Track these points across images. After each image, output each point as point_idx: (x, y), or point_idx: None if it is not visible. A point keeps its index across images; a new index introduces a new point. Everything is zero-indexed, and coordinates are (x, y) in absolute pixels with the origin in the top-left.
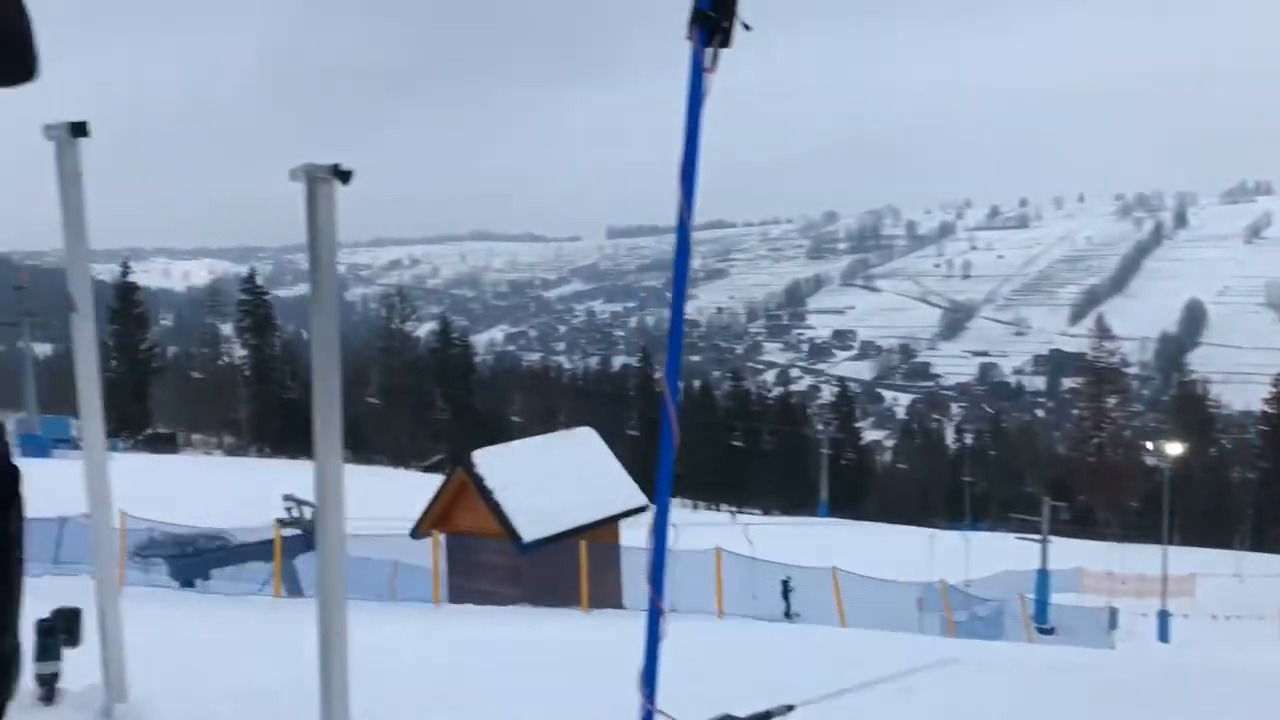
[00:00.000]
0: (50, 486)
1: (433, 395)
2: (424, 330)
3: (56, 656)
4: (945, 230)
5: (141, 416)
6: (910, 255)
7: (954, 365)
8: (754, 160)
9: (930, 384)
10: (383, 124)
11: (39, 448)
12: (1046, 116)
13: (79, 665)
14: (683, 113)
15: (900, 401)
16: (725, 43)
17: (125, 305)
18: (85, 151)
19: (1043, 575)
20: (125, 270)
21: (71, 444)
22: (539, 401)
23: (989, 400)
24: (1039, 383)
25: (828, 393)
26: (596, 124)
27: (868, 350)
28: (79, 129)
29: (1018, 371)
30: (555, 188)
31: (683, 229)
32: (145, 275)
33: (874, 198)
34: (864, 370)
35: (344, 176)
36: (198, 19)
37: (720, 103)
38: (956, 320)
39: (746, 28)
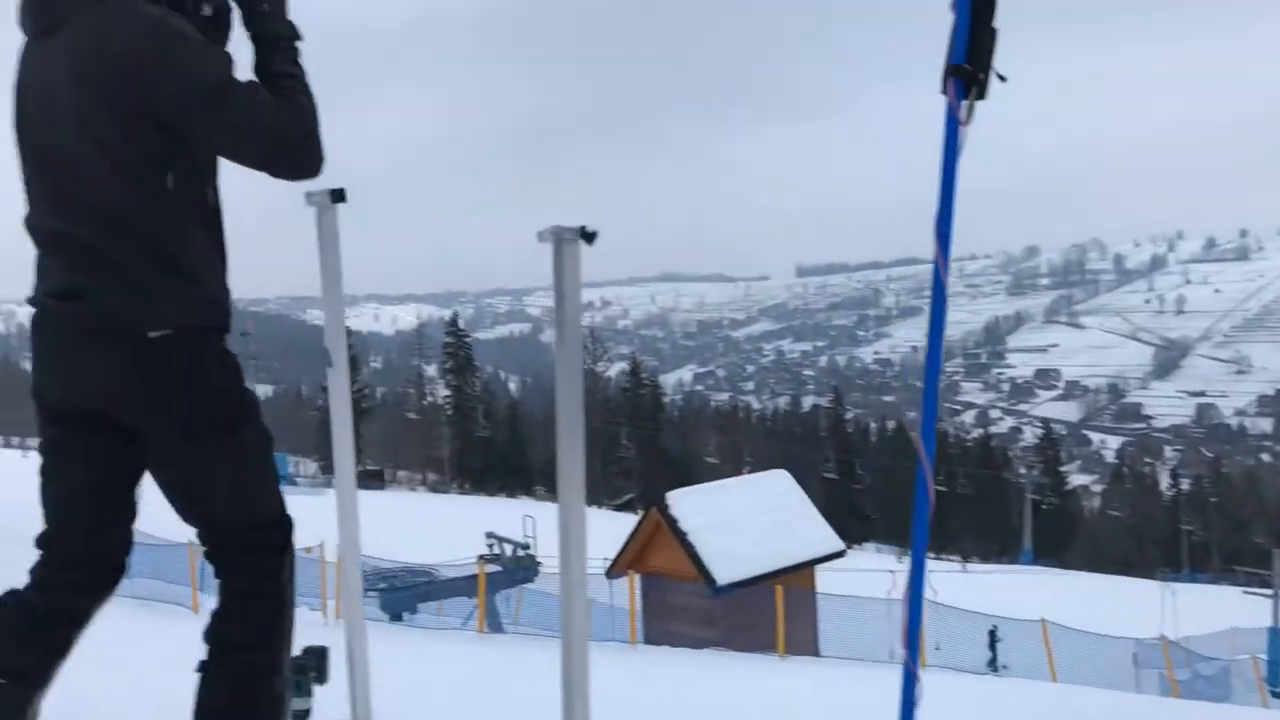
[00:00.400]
0: None
1: (623, 435)
2: (614, 370)
3: (308, 693)
4: (1156, 264)
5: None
6: (1118, 290)
7: (1168, 406)
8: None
9: (1142, 426)
10: (573, 168)
11: None
12: (1271, 139)
13: (323, 699)
14: (876, 151)
15: (1109, 444)
16: (981, 95)
17: None
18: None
19: (1275, 634)
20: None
21: (288, 480)
22: (728, 441)
23: (1207, 443)
24: (1264, 425)
25: (1030, 435)
26: (784, 162)
27: (1073, 390)
28: (338, 195)
29: (1239, 413)
30: (743, 227)
31: (939, 285)
32: (357, 320)
33: (1077, 231)
34: (1069, 411)
35: (589, 238)
36: (411, 68)
37: (908, 133)
38: (1170, 359)
39: (1001, 79)
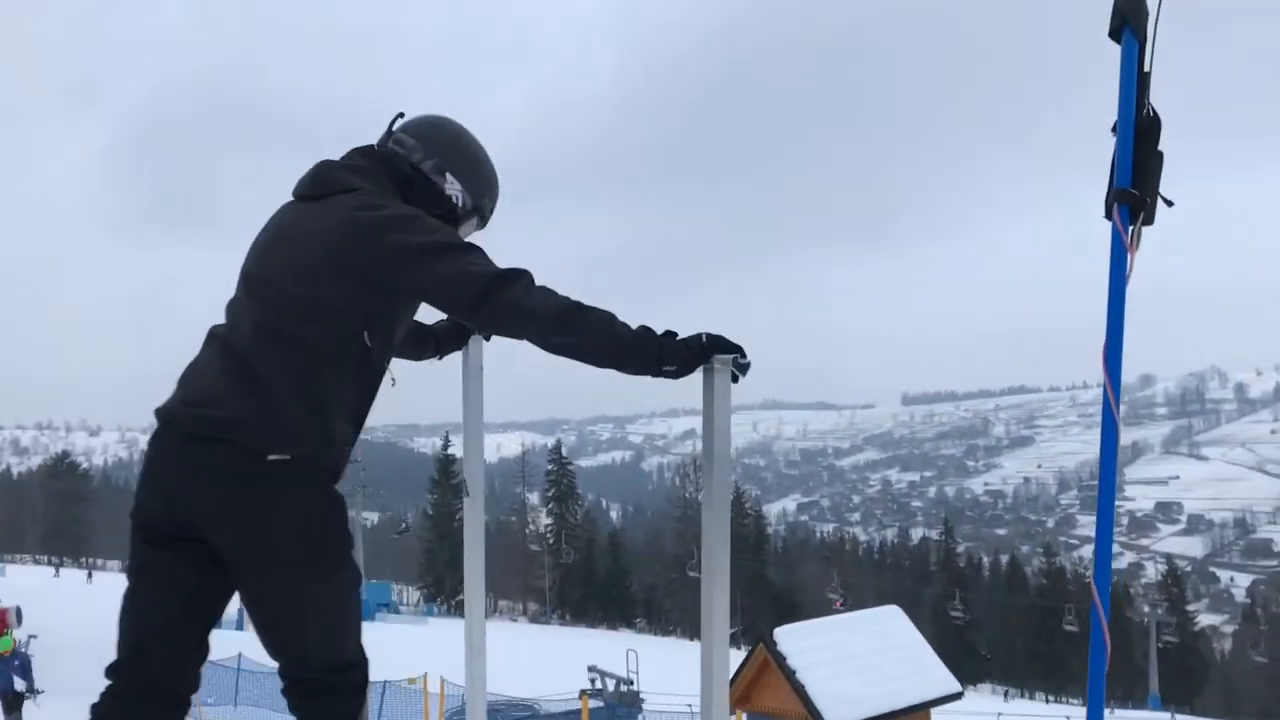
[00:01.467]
0: (373, 650)
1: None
2: None
3: None
4: None
5: (455, 583)
6: (1241, 420)
7: None
8: (1057, 322)
9: (1273, 563)
10: (674, 296)
11: (364, 611)
12: None
13: None
14: (982, 278)
15: (1238, 582)
16: (1149, 220)
17: (444, 476)
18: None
19: None
20: (445, 444)
21: (392, 608)
22: (834, 573)
23: None
24: None
25: (1153, 571)
26: (887, 288)
27: (1196, 525)
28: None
29: None
30: (846, 354)
31: (1109, 418)
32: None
33: (1195, 359)
34: (1194, 546)
35: (742, 369)
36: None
37: (1017, 260)
38: None
39: (1168, 203)
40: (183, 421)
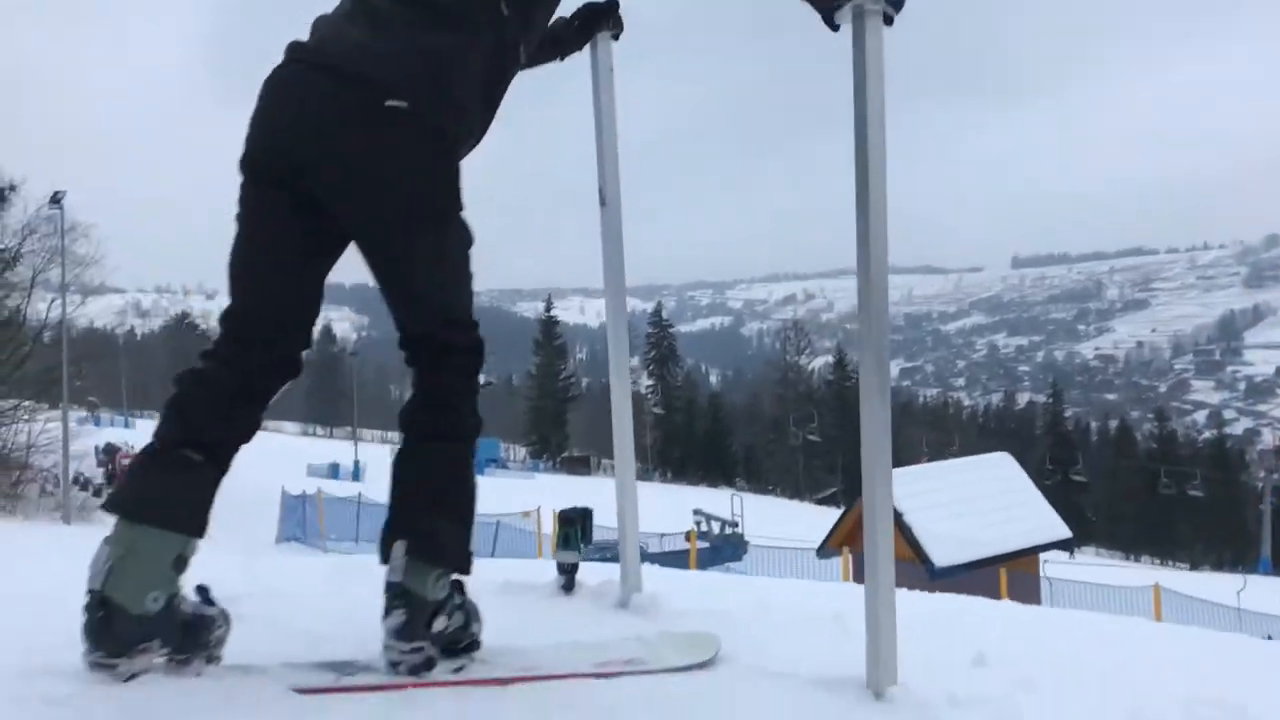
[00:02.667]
0: (484, 498)
1: (822, 427)
2: (818, 363)
3: (576, 548)
4: None
5: (560, 441)
6: None
7: None
8: (1178, 178)
9: None
10: (776, 157)
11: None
12: None
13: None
14: (1101, 135)
15: None
16: None
17: (547, 339)
18: (525, 195)
19: None
20: (548, 307)
21: (500, 464)
22: (937, 437)
23: None
24: None
25: (1270, 437)
26: (1000, 145)
27: None
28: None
29: None
30: (956, 216)
31: None
32: (564, 312)
33: None
34: None
35: (896, 4)
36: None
37: (1136, 116)
38: None
39: None
40: (301, 59)
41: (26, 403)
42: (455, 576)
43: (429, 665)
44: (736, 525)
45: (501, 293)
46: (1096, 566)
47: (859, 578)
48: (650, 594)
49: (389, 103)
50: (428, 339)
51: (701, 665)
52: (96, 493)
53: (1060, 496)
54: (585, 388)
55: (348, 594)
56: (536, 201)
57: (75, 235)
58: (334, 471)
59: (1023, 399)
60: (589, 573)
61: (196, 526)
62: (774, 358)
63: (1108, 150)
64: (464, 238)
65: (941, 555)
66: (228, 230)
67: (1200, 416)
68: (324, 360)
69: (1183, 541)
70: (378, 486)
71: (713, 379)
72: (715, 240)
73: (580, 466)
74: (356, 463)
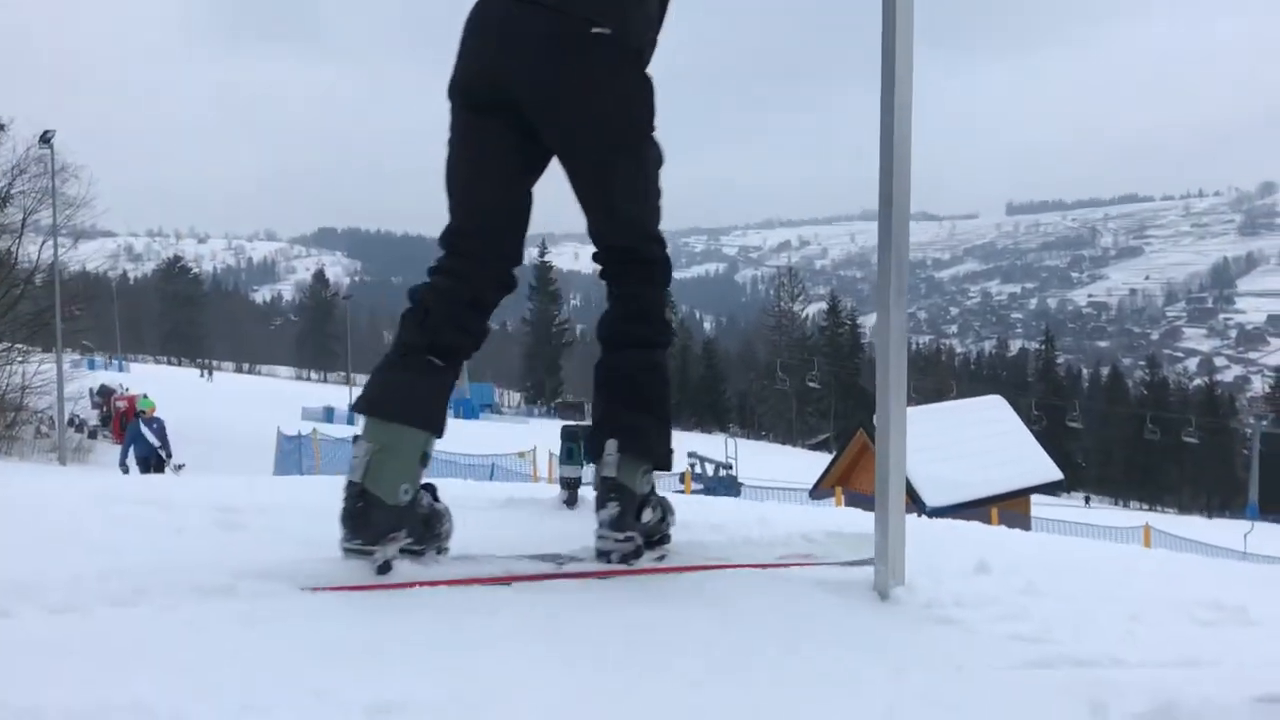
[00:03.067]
0: (478, 441)
1: (820, 374)
2: (812, 310)
3: (579, 462)
4: None
5: (555, 386)
6: None
7: None
8: (1174, 126)
9: None
10: (771, 107)
11: (469, 411)
12: None
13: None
14: (1093, 83)
15: None
16: None
17: (542, 285)
18: None
19: None
20: (542, 252)
21: (494, 409)
22: (929, 383)
23: None
24: None
25: (1260, 385)
26: (997, 92)
27: None
28: None
29: None
30: (951, 162)
31: None
32: (558, 258)
33: None
34: None
35: None
36: None
37: (1133, 64)
38: None
39: None
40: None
41: (20, 345)
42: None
43: (638, 554)
44: (730, 467)
45: None
46: (1086, 509)
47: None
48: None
49: (594, 30)
50: (628, 251)
51: (865, 562)
52: (91, 434)
53: (1051, 442)
54: (579, 334)
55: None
56: None
57: (65, 176)
58: (328, 415)
59: (1015, 346)
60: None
61: (438, 426)
62: (768, 304)
63: (1104, 97)
64: (658, 156)
65: (934, 496)
66: (221, 176)
67: (1192, 364)
68: (317, 304)
69: (1172, 487)
70: None
71: (707, 326)
72: (710, 187)
73: (574, 412)
74: (351, 406)
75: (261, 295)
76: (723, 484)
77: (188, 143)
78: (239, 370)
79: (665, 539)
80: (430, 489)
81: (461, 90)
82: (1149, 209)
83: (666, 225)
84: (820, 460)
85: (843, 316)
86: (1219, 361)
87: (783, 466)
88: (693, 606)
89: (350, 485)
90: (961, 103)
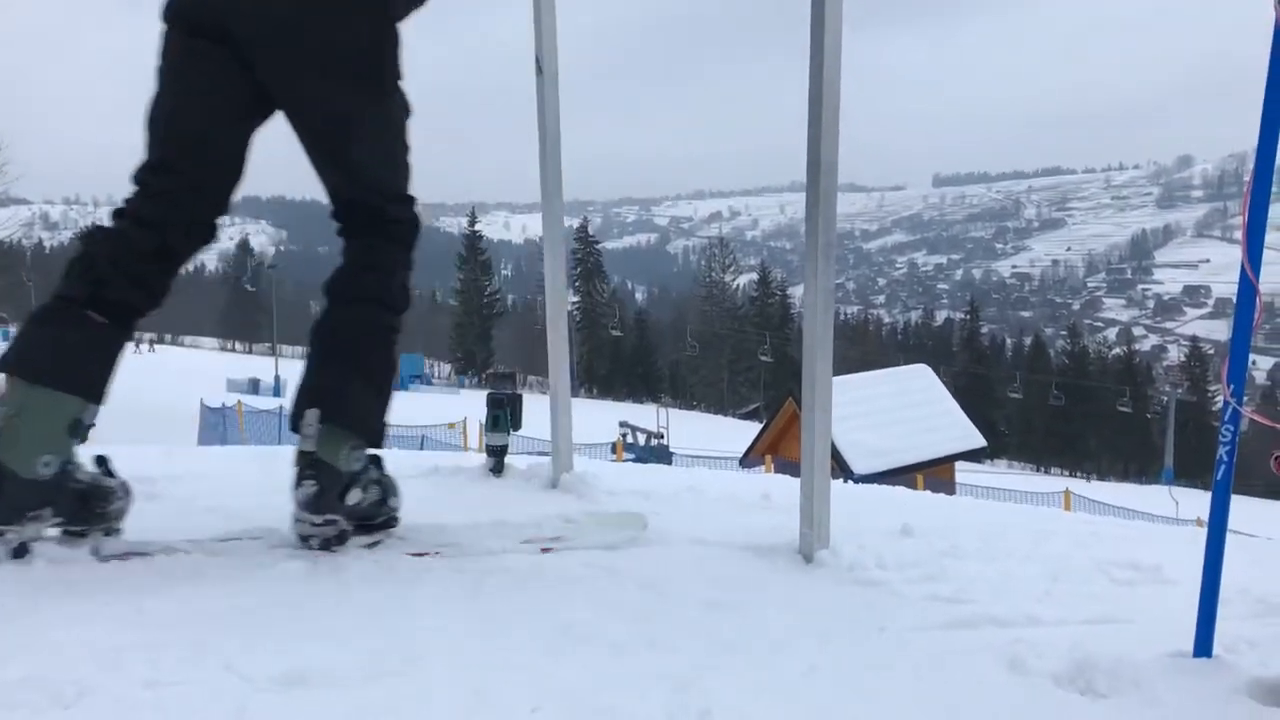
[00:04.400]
0: (410, 414)
1: (750, 344)
2: (743, 280)
3: (506, 429)
4: None
5: (485, 357)
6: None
7: None
8: (1096, 101)
9: None
10: (700, 80)
11: (398, 382)
12: None
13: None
14: (1019, 56)
15: (1260, 365)
16: None
17: (472, 254)
18: (449, 110)
19: None
20: (472, 221)
21: (424, 380)
22: (857, 352)
23: None
24: None
25: (1176, 353)
26: (925, 66)
27: (1224, 308)
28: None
29: None
30: (879, 134)
31: (1262, 199)
32: (488, 228)
33: (1237, 140)
34: (1219, 330)
35: None
36: None
37: (1055, 38)
38: None
39: None
40: None
41: None
42: (373, 451)
43: (341, 539)
44: (662, 437)
45: (424, 207)
46: (1009, 475)
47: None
48: (580, 474)
49: None
50: (365, 207)
51: (629, 543)
52: None
53: (976, 410)
54: (510, 304)
55: (272, 475)
56: (458, 113)
57: None
58: (254, 387)
59: (941, 316)
60: (519, 458)
61: (95, 392)
62: (699, 275)
63: (1029, 71)
64: (404, 107)
65: (861, 463)
66: (139, 143)
67: (1111, 333)
68: (241, 274)
69: (1091, 453)
70: None
71: (639, 296)
72: (642, 157)
73: (505, 383)
74: (277, 378)
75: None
76: (654, 453)
77: (104, 107)
78: (159, 341)
79: (390, 523)
80: (102, 461)
81: (175, 11)
82: (1071, 181)
83: (597, 195)
84: (751, 429)
85: (773, 287)
86: (1137, 331)
87: (714, 435)
88: (610, 578)
89: None
90: (890, 75)
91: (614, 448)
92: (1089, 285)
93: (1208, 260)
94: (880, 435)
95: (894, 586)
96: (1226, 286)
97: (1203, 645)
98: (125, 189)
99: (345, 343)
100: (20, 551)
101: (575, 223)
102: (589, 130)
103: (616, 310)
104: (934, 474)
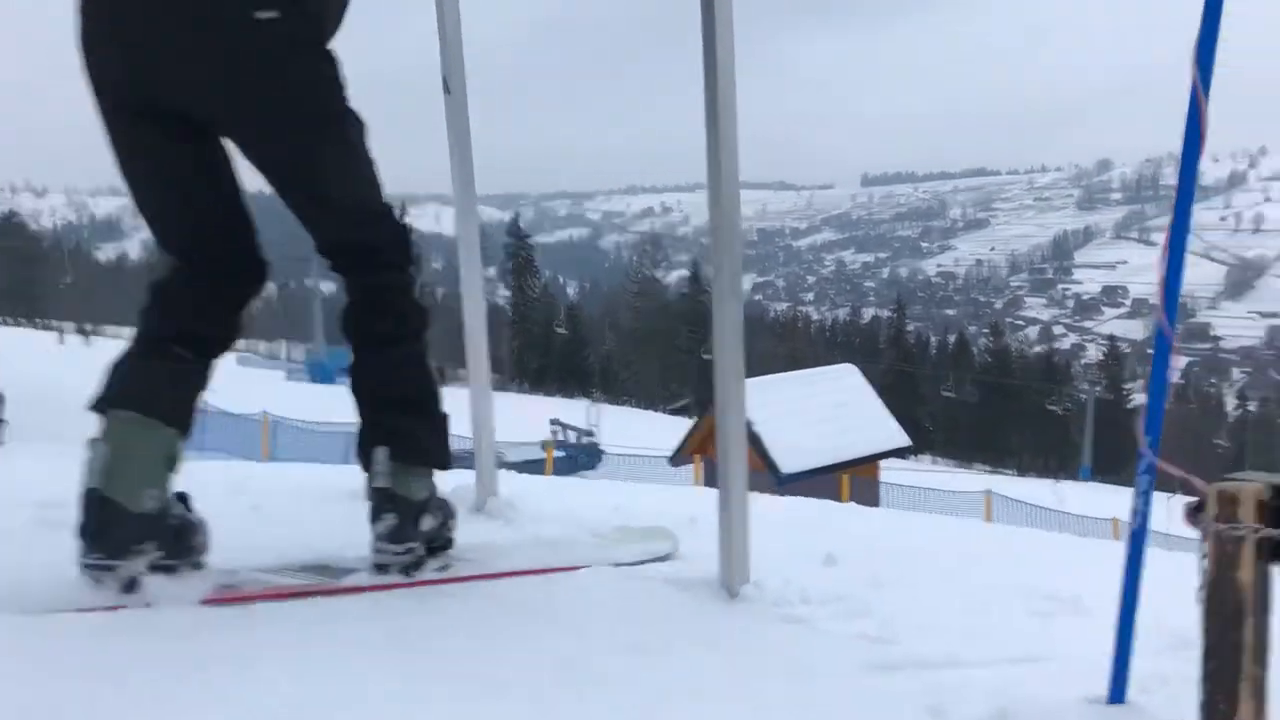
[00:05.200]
0: (336, 409)
1: (681, 341)
2: (674, 276)
3: None
4: (1235, 180)
5: None
6: (1194, 206)
7: (1238, 327)
8: (1021, 102)
9: (1208, 347)
10: (637, 75)
11: (325, 376)
12: None
13: None
14: (945, 59)
15: (1174, 364)
16: None
17: None
18: (379, 100)
19: None
20: (402, 214)
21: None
22: (786, 349)
23: (1278, 366)
24: None
25: (1094, 352)
26: (852, 66)
27: (1140, 308)
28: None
29: None
30: (808, 134)
31: (1186, 191)
32: (419, 220)
33: (1153, 145)
34: (1136, 330)
35: None
36: None
37: (981, 42)
38: (1244, 279)
39: None
40: None
41: None
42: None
43: (419, 565)
44: (592, 434)
45: None
46: (932, 472)
47: (711, 483)
48: (506, 498)
49: (259, 15)
50: (353, 244)
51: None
52: None
53: (900, 409)
54: (440, 298)
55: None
56: (388, 103)
57: None
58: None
59: (868, 314)
60: (441, 478)
61: (185, 424)
62: (631, 270)
63: (956, 73)
64: (359, 128)
65: (788, 463)
66: (56, 127)
67: (1033, 332)
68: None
69: (1012, 450)
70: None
71: (570, 290)
72: (574, 151)
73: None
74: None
75: (106, 253)
76: (585, 452)
77: (19, 90)
78: (81, 331)
79: (448, 544)
80: (183, 498)
81: (112, 95)
82: (995, 182)
83: (529, 188)
84: (681, 425)
85: (704, 284)
86: (1057, 330)
87: (644, 432)
88: (539, 613)
89: (88, 493)
90: (820, 75)
91: (544, 446)
92: (1011, 284)
93: (1125, 261)
94: (807, 435)
95: (818, 623)
96: (1143, 287)
97: (1117, 691)
98: (39, 172)
99: (390, 383)
100: (130, 586)
101: (506, 216)
102: (521, 122)
103: (561, 309)
104: (860, 473)
